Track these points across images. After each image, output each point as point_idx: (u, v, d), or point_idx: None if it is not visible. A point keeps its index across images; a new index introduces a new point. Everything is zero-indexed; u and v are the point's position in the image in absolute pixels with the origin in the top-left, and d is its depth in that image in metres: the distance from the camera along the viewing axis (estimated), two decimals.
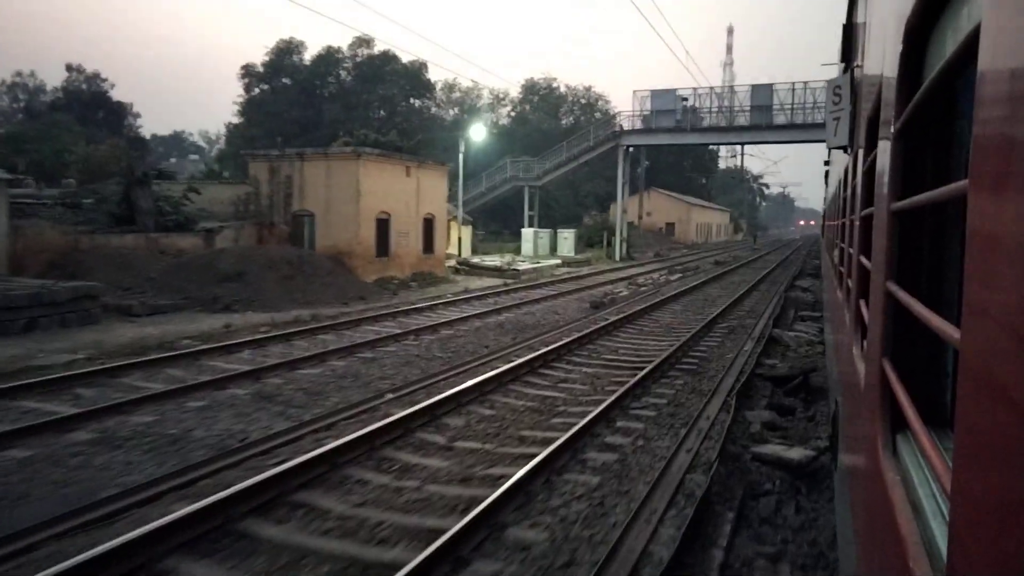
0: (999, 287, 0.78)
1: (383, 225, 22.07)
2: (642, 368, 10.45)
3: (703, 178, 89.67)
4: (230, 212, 21.96)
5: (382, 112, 69.39)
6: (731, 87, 39.39)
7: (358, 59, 68.85)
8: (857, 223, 3.56)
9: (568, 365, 11.14)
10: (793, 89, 35.94)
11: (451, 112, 70.19)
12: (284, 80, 68.88)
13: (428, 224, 24.70)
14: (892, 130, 1.77)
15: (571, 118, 70.14)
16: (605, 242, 40.14)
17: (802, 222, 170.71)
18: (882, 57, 2.24)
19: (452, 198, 35.09)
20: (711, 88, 38.06)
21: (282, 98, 66.82)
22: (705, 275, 29.59)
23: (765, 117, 36.31)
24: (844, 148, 5.30)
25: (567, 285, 24.46)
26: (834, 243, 8.32)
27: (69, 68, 69.91)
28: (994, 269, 0.80)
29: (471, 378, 9.66)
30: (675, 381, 10.03)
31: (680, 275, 29.56)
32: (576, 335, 13.38)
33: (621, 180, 39.45)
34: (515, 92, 70.85)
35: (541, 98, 71.01)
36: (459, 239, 34.38)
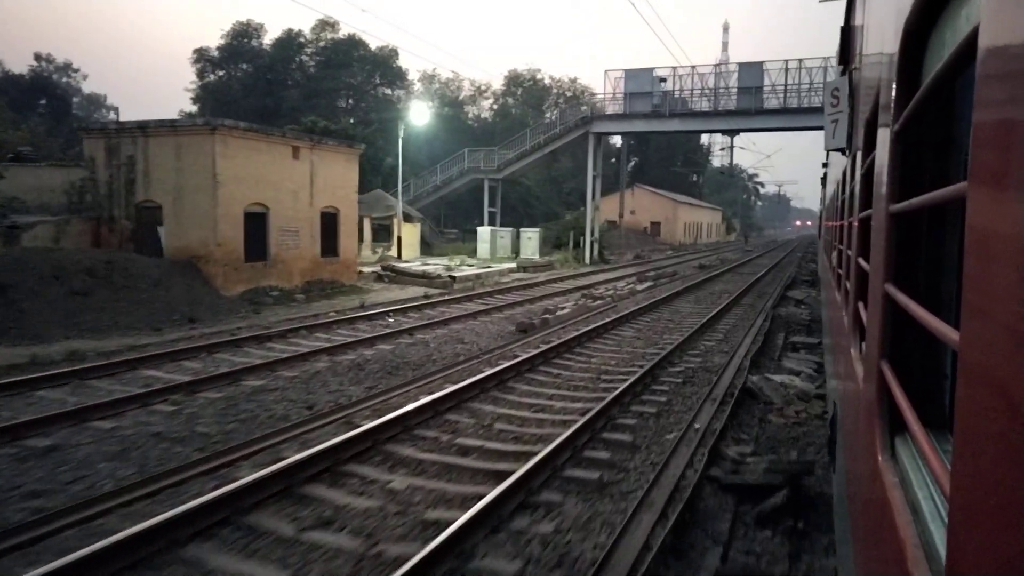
0: (998, 289, 0.77)
1: (257, 221, 17.02)
2: (506, 475, 5.76)
3: (695, 175, 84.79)
4: (63, 203, 16.98)
5: (350, 101, 64.98)
6: (716, 67, 34.43)
7: (322, 44, 64.05)
8: (855, 225, 3.50)
9: (374, 470, 6.35)
10: (786, 68, 31.10)
11: (430, 104, 65.77)
12: (243, 66, 64.19)
13: (329, 220, 19.61)
14: (890, 132, 1.76)
15: (556, 111, 65.58)
16: (571, 243, 35.22)
17: (799, 222, 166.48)
18: (880, 59, 2.24)
19: (407, 192, 30.32)
20: (693, 68, 33.09)
21: (240, 84, 62.45)
22: (682, 283, 24.87)
23: (755, 100, 31.46)
24: (842, 150, 5.19)
25: (506, 297, 19.70)
26: (832, 246, 8.02)
27: (38, 57, 66.96)
28: (993, 271, 0.80)
29: (191, 498, 5.04)
30: (540, 526, 5.22)
31: (651, 283, 24.78)
32: (451, 388, 8.71)
33: (592, 172, 34.49)
34: (498, 84, 66.61)
35: (525, 90, 67.08)
36: (398, 238, 29.62)
